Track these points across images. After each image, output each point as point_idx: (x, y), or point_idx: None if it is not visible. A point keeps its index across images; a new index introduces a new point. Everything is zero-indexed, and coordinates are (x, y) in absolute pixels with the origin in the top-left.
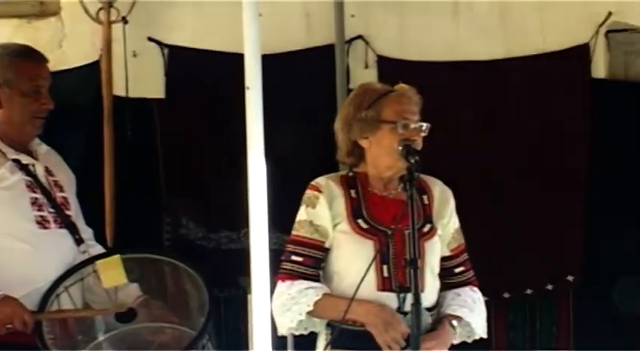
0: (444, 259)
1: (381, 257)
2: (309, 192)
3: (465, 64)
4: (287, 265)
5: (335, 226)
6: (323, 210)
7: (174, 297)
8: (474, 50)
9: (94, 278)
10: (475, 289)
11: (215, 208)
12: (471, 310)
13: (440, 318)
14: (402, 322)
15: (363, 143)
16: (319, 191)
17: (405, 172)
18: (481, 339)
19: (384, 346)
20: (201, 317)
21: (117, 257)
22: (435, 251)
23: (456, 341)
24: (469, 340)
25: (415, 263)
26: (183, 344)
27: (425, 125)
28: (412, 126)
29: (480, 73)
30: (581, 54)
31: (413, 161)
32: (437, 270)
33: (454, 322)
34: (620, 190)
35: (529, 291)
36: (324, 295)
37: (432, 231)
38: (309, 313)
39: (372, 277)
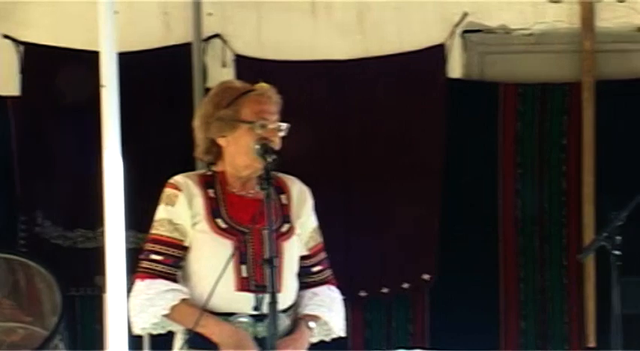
0: (302, 258)
1: (240, 257)
2: (167, 190)
3: (323, 64)
4: (145, 264)
5: (194, 225)
6: (182, 208)
7: (26, 297)
8: (332, 50)
9: None
10: (333, 287)
11: (71, 207)
12: (329, 309)
13: (297, 319)
14: (253, 348)
15: (221, 142)
16: (178, 189)
17: (262, 171)
18: (339, 338)
19: None
20: (54, 317)
21: None
22: (293, 251)
23: (314, 340)
24: (327, 339)
25: (272, 263)
26: (35, 344)
27: (284, 125)
28: (270, 126)
29: (338, 73)
30: (437, 54)
31: (270, 160)
32: (296, 269)
33: (311, 324)
34: (475, 190)
35: (385, 290)
36: (182, 300)
37: (291, 230)
38: (165, 316)
39: (230, 278)
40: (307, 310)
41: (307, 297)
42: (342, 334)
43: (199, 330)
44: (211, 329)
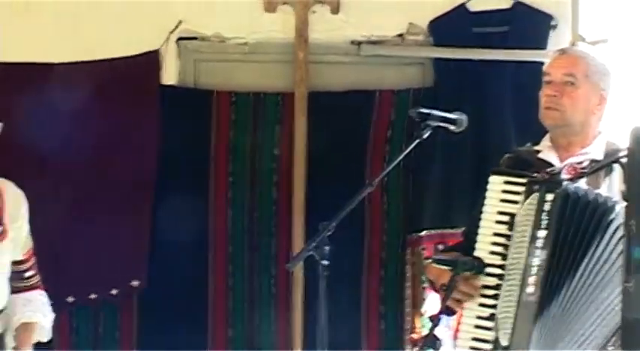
0: (16, 263)
1: None
2: None
3: (32, 66)
4: None
5: None
6: None
7: None
8: (43, 51)
9: None
10: (43, 292)
11: None
12: (44, 314)
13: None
14: None
15: None
16: None
17: None
18: (45, 345)
19: None
20: None
21: None
22: (5, 254)
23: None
24: (45, 340)
25: None
26: None
27: None
28: None
29: (47, 76)
30: (151, 60)
31: None
32: (8, 274)
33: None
34: (187, 198)
35: (93, 295)
36: None
37: (4, 234)
38: None
39: None
40: (25, 318)
41: (21, 303)
42: (45, 339)
43: None
44: None
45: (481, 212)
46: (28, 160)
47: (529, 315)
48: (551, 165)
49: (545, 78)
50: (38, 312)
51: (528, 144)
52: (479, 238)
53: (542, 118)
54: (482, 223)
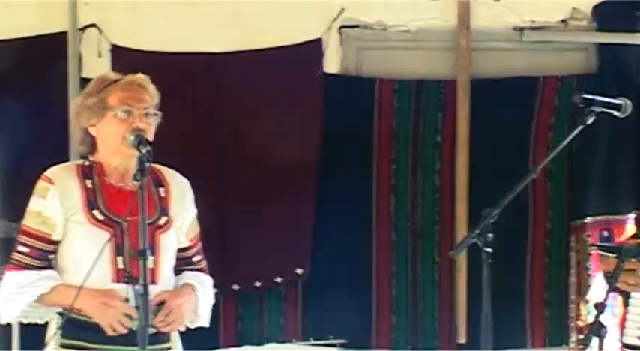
0: (182, 249)
1: (116, 248)
2: (40, 182)
3: (200, 56)
4: (15, 256)
5: (69, 217)
6: (53, 202)
7: None
8: (210, 42)
9: None
10: (209, 277)
11: None
12: (204, 292)
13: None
14: (119, 300)
15: (92, 131)
16: (50, 182)
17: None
18: (210, 330)
19: (107, 330)
20: None
21: None
22: (170, 243)
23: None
24: (192, 326)
25: (144, 254)
26: None
27: (153, 112)
28: (136, 112)
29: (215, 65)
30: (315, 48)
31: (144, 152)
32: (172, 262)
33: (198, 292)
34: (350, 185)
35: (258, 283)
36: (53, 287)
37: (169, 223)
38: (37, 303)
39: (107, 269)
40: (189, 280)
41: (187, 275)
42: (206, 324)
43: (75, 304)
44: (77, 301)
45: None
46: (191, 149)
47: None
48: None
49: None
50: (202, 286)
51: None
52: None
53: None
54: None
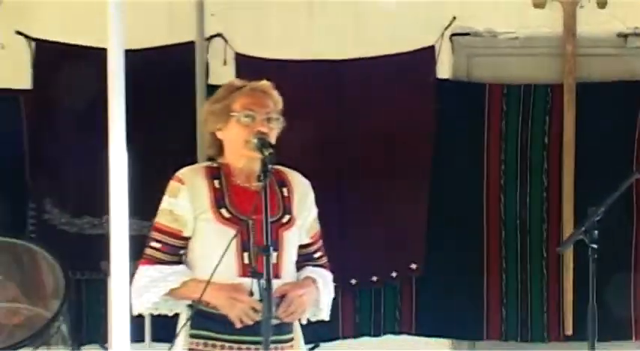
0: (304, 246)
1: (242, 245)
2: (172, 183)
3: (320, 63)
4: (147, 251)
5: (198, 215)
6: (184, 201)
7: (30, 280)
8: (328, 49)
9: None
10: (329, 272)
11: (78, 195)
12: (325, 286)
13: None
14: (245, 294)
15: (219, 135)
16: (182, 183)
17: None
18: (330, 323)
19: (236, 322)
20: (57, 300)
21: None
22: (292, 240)
23: (304, 321)
24: (313, 319)
25: (268, 250)
26: (38, 326)
27: (276, 117)
28: (258, 117)
29: (334, 72)
30: (428, 55)
31: (267, 154)
32: (294, 258)
33: (319, 285)
34: (461, 185)
35: (375, 278)
36: (184, 282)
37: (291, 221)
38: (167, 296)
39: (233, 264)
40: (311, 275)
41: (309, 270)
42: (327, 318)
43: (204, 298)
44: (206, 294)
45: None
46: (313, 151)
47: None
48: None
49: None
50: (322, 279)
51: None
52: None
53: None
54: None
